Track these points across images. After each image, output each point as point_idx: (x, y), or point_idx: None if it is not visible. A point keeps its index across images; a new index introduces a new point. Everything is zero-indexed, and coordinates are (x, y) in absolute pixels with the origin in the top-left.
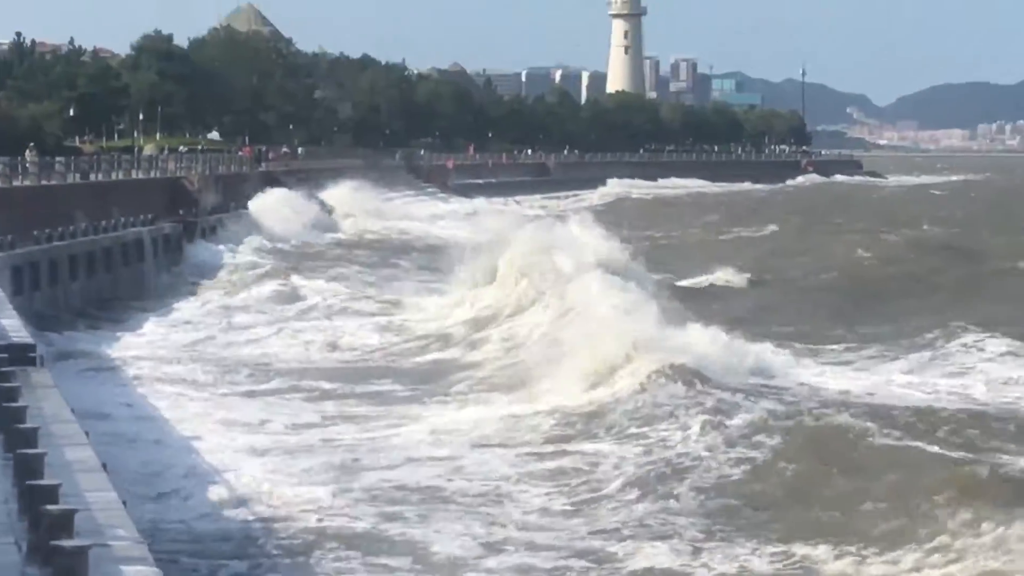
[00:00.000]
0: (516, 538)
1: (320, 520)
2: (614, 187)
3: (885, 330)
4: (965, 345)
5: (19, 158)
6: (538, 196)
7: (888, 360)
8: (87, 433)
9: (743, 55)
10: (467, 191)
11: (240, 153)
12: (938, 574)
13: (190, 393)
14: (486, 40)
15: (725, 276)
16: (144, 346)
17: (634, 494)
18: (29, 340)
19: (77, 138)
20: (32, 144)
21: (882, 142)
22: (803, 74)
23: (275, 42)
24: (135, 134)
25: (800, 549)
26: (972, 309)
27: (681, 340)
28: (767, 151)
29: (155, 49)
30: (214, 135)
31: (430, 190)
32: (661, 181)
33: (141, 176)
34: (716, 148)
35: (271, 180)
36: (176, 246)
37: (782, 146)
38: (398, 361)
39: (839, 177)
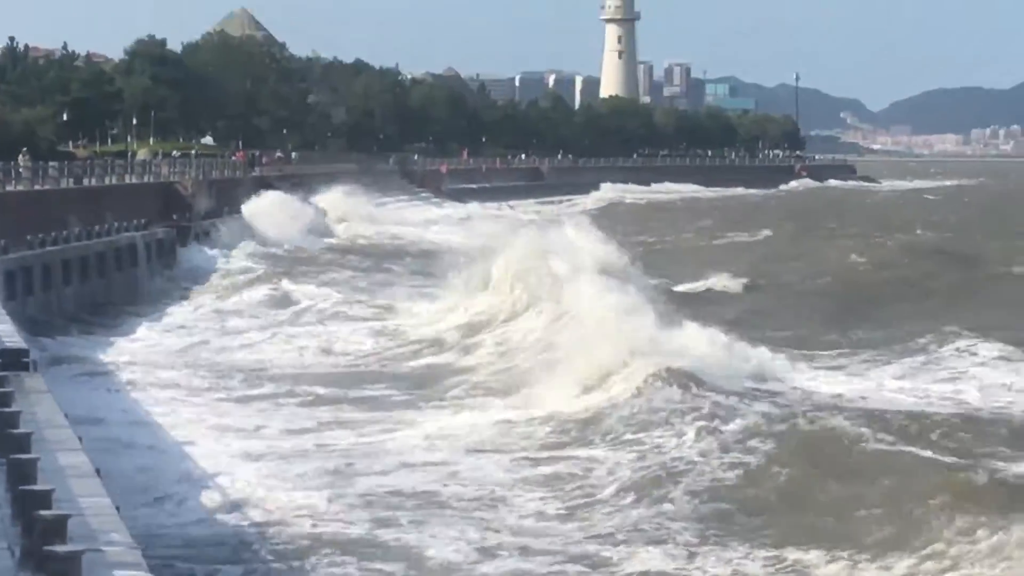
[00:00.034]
0: (511, 543)
1: (315, 525)
2: (607, 192)
3: (879, 335)
4: (959, 350)
5: (12, 163)
6: (532, 201)
7: (882, 365)
8: (80, 438)
9: (737, 60)
10: (461, 196)
11: (234, 158)
12: None
13: (184, 398)
14: (480, 45)
15: (721, 281)
16: (137, 351)
17: (629, 499)
18: (22, 345)
19: (71, 143)
20: (25, 149)
21: (876, 147)
22: (797, 79)
23: (269, 47)
24: (128, 139)
25: (793, 554)
26: (966, 314)
27: (678, 342)
28: (761, 156)
29: (148, 54)
30: (208, 140)
31: (424, 195)
32: (655, 186)
33: (134, 181)
34: (710, 153)
35: (264, 185)
36: (170, 251)
37: (776, 151)
38: (392, 366)
39: (833, 182)
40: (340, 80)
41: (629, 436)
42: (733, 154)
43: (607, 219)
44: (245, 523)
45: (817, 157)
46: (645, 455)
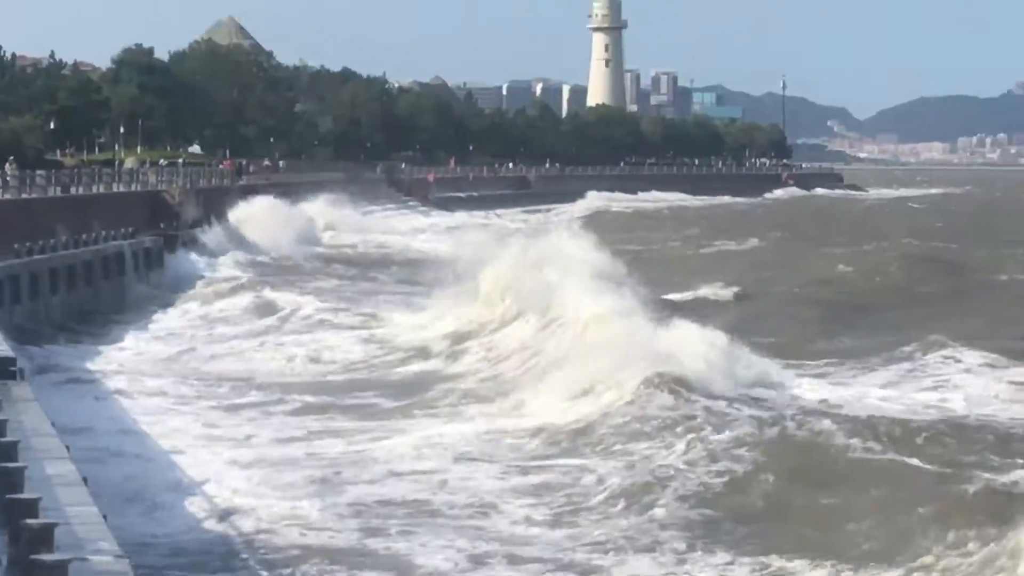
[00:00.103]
0: (501, 552)
1: (304, 534)
2: (594, 200)
3: (867, 343)
4: (945, 357)
5: None
6: (518, 209)
7: (870, 373)
8: (67, 447)
9: (724, 68)
10: (448, 204)
11: (221, 166)
12: None
13: (172, 406)
14: (467, 53)
15: (712, 290)
16: (125, 359)
17: (619, 507)
18: (10, 354)
19: (58, 151)
20: (12, 157)
21: (862, 155)
22: (783, 87)
23: (256, 55)
24: (116, 147)
25: (778, 562)
26: (952, 321)
27: (675, 345)
28: (748, 164)
29: (136, 62)
30: (195, 148)
31: (411, 203)
32: (642, 194)
33: (122, 189)
34: (697, 161)
35: (252, 194)
36: (157, 259)
37: (763, 159)
38: (380, 374)
39: (820, 190)
40: (327, 89)
41: (620, 445)
42: (720, 163)
43: (591, 229)
44: (234, 532)
45: (804, 165)
46: (635, 464)
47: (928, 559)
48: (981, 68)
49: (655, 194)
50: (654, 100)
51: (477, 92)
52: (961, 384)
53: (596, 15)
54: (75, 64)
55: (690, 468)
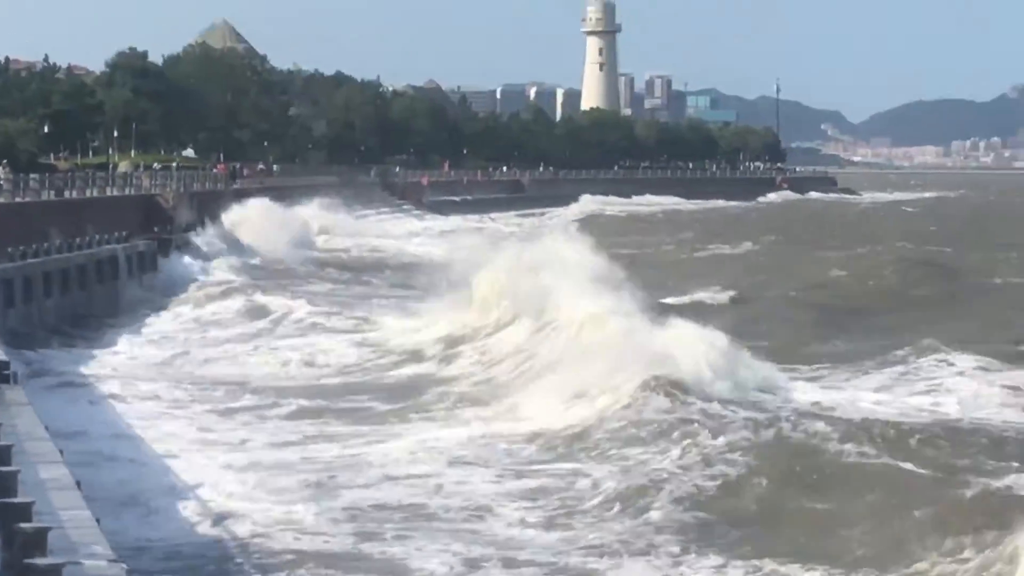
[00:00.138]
0: (496, 556)
1: (298, 539)
2: (587, 204)
3: (862, 347)
4: (940, 361)
5: None
6: (512, 213)
7: (867, 377)
8: (61, 451)
9: (718, 72)
10: (442, 208)
11: (215, 170)
12: None
13: (165, 411)
14: (461, 57)
15: (707, 295)
16: (118, 363)
17: (614, 511)
18: (3, 357)
19: (51, 155)
20: (5, 161)
21: (856, 159)
22: (777, 91)
23: (250, 59)
24: (110, 151)
25: (771, 565)
26: (947, 325)
27: (671, 345)
28: (742, 168)
29: (130, 66)
30: (189, 152)
31: (405, 207)
32: (636, 198)
33: (116, 193)
34: (691, 165)
35: (246, 197)
36: (151, 263)
37: (756, 163)
38: (375, 378)
39: (813, 194)
40: (321, 92)
41: (615, 449)
42: (714, 166)
43: (586, 232)
44: (229, 537)
45: (798, 169)
46: (630, 468)
47: (923, 565)
48: (975, 72)
49: (649, 198)
50: (648, 104)
51: (471, 96)
52: (955, 388)
53: (590, 19)
54: (69, 68)
55: (685, 472)
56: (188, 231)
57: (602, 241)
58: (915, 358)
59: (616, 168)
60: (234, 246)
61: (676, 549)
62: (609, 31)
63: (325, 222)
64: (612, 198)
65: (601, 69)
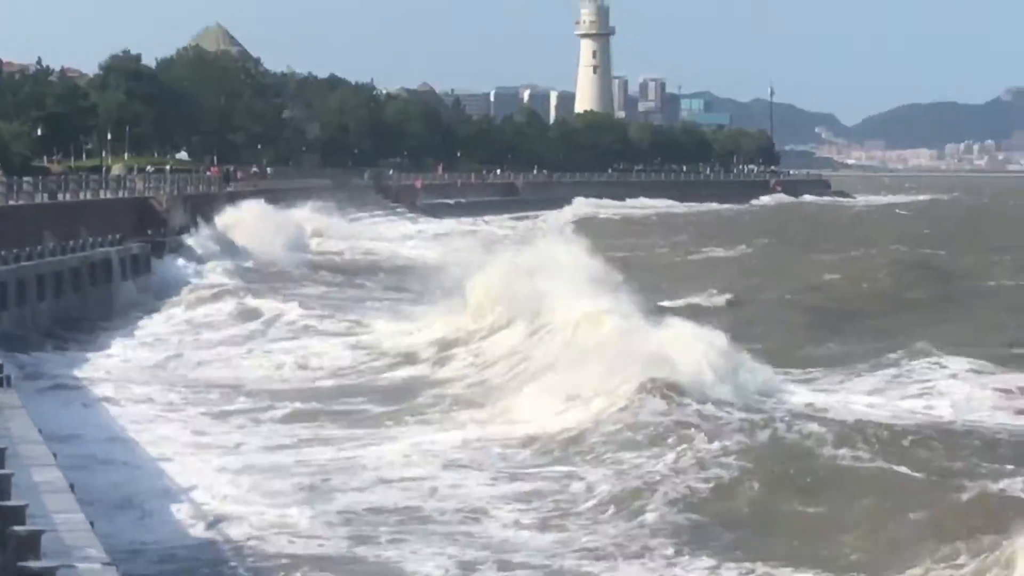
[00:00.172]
0: (491, 559)
1: (292, 542)
2: (581, 207)
3: (857, 349)
4: (934, 364)
5: None
6: (506, 216)
7: (861, 380)
8: (55, 454)
9: (712, 75)
10: (436, 211)
11: (208, 173)
12: None
13: (160, 413)
14: (455, 60)
15: (702, 298)
16: (112, 366)
17: (609, 514)
18: None
19: (45, 158)
20: None
21: (850, 161)
22: (771, 94)
23: (243, 62)
24: (103, 154)
25: (763, 568)
26: (940, 328)
27: (668, 345)
28: (736, 171)
29: (123, 69)
30: (182, 155)
31: (399, 210)
32: (629, 201)
33: (109, 196)
34: (685, 168)
35: (239, 200)
36: (144, 266)
37: (750, 166)
38: (369, 381)
39: (807, 197)
40: (315, 95)
41: (611, 452)
42: (708, 169)
43: (579, 234)
44: (223, 540)
45: (792, 172)
46: (625, 471)
47: (917, 571)
48: (969, 75)
49: (643, 200)
50: (642, 106)
51: (465, 98)
52: (948, 390)
53: (584, 22)
54: (62, 70)
55: (679, 475)
56: (181, 234)
57: (595, 244)
58: (908, 361)
59: (610, 171)
60: (228, 249)
61: (670, 551)
62: (603, 34)
63: (318, 225)
64: (606, 201)
65: (595, 72)
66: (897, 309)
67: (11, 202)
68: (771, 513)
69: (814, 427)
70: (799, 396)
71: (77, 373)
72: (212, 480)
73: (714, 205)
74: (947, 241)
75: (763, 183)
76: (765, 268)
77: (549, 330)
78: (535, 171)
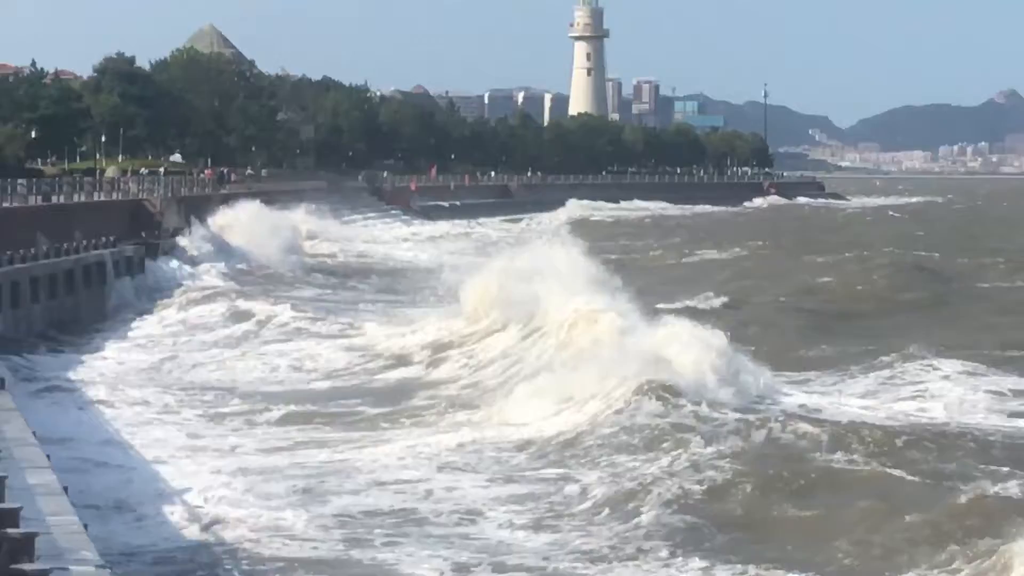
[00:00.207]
0: (486, 561)
1: (287, 544)
2: (575, 209)
3: (853, 352)
4: (928, 366)
5: None
6: (499, 218)
7: (857, 382)
8: (48, 456)
9: (706, 77)
10: (430, 213)
11: (202, 175)
12: None
13: (155, 416)
14: (449, 62)
15: (698, 301)
16: (106, 368)
17: (604, 516)
18: None
19: (39, 160)
20: None
21: (844, 164)
22: (765, 96)
23: (237, 64)
24: (97, 156)
25: (754, 571)
26: (934, 330)
27: (665, 345)
28: (729, 173)
29: (117, 71)
30: (176, 157)
31: (393, 212)
32: (623, 203)
33: (103, 198)
34: (679, 170)
35: (233, 202)
36: (138, 268)
37: (744, 168)
38: (364, 384)
39: (801, 199)
40: (309, 97)
41: (607, 453)
42: (702, 171)
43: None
44: (218, 542)
45: (785, 174)
46: (621, 474)
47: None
48: (963, 77)
49: (637, 203)
50: (636, 109)
51: (459, 101)
52: (942, 393)
53: (578, 24)
54: (56, 73)
55: (675, 478)
56: (175, 236)
57: (588, 246)
58: (902, 363)
59: (604, 173)
60: (221, 251)
61: (664, 553)
62: (597, 36)
63: (312, 227)
64: (600, 203)
65: (589, 74)
66: (891, 311)
67: (5, 204)
68: (766, 516)
69: (809, 429)
70: (794, 398)
71: (71, 375)
72: (207, 482)
73: (708, 207)
74: (940, 243)
75: (757, 185)
76: (759, 271)
77: (544, 332)
78: (529, 173)
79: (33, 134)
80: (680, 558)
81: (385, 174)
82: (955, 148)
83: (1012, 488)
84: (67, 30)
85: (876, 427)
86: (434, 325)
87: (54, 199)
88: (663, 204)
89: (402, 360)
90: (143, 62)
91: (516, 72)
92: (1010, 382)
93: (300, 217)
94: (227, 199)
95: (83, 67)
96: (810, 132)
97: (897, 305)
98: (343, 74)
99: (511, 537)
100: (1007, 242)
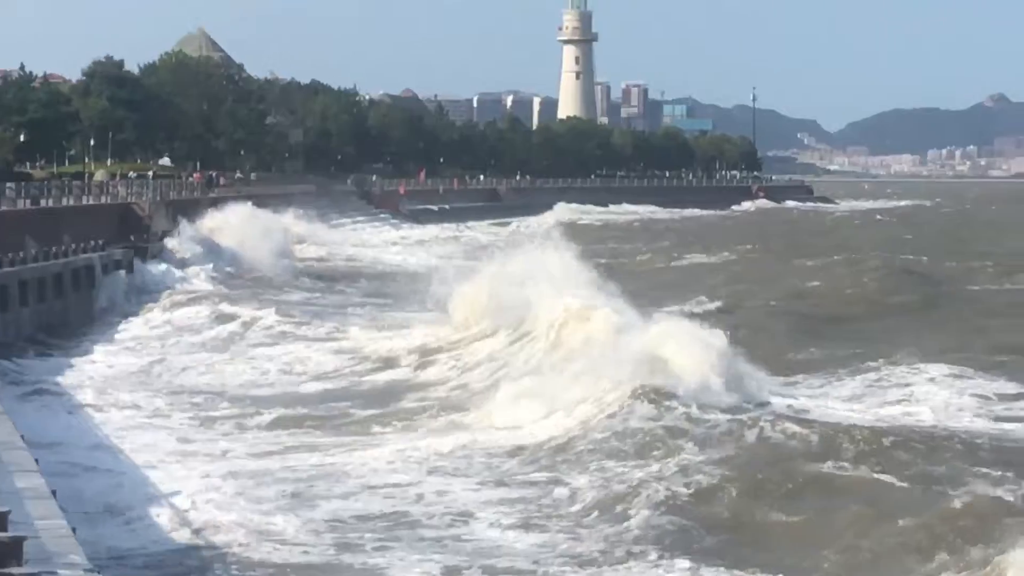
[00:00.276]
0: (476, 564)
1: (278, 549)
2: (563, 213)
3: (842, 356)
4: (915, 370)
5: None
6: (488, 222)
7: (846, 386)
8: (37, 460)
9: (694, 81)
10: (418, 217)
11: (191, 179)
12: None
13: (144, 419)
14: (438, 66)
15: (690, 306)
16: (95, 372)
17: (595, 519)
18: None
19: (28, 164)
20: None
21: (832, 167)
22: (754, 100)
23: (226, 68)
24: (86, 160)
25: None
26: (923, 334)
27: (661, 344)
28: (718, 177)
29: (106, 75)
30: (165, 161)
31: (382, 216)
32: (612, 207)
33: (92, 202)
34: (667, 174)
35: (222, 206)
36: (127, 272)
37: (733, 172)
38: (353, 387)
39: (790, 203)
40: (298, 101)
41: (598, 457)
42: (691, 175)
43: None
44: (208, 547)
45: (774, 178)
46: (612, 477)
47: None
48: (951, 81)
49: (625, 206)
50: (624, 112)
51: (448, 104)
52: (929, 396)
53: (567, 27)
54: (45, 76)
55: (665, 482)
56: (164, 239)
57: (577, 250)
58: (890, 366)
59: (593, 177)
60: (209, 255)
61: (653, 556)
62: (586, 40)
63: (301, 231)
64: (589, 206)
65: (578, 78)
66: (880, 315)
67: None
68: (756, 522)
69: (799, 433)
70: (784, 401)
71: (60, 379)
72: (197, 487)
73: (696, 211)
74: (929, 247)
75: (745, 189)
76: (749, 275)
77: (533, 336)
78: (518, 177)
79: (22, 137)
80: (667, 561)
81: (374, 178)
82: (944, 152)
83: (1000, 493)
84: (56, 34)
85: (865, 429)
86: (421, 331)
87: (43, 203)
88: (652, 208)
89: (396, 364)
90: (132, 66)
91: (505, 76)
92: (997, 386)
93: (289, 221)
94: (216, 202)
95: (72, 71)
96: (799, 136)
97: (886, 308)
98: (332, 78)
99: (502, 536)
100: (995, 246)
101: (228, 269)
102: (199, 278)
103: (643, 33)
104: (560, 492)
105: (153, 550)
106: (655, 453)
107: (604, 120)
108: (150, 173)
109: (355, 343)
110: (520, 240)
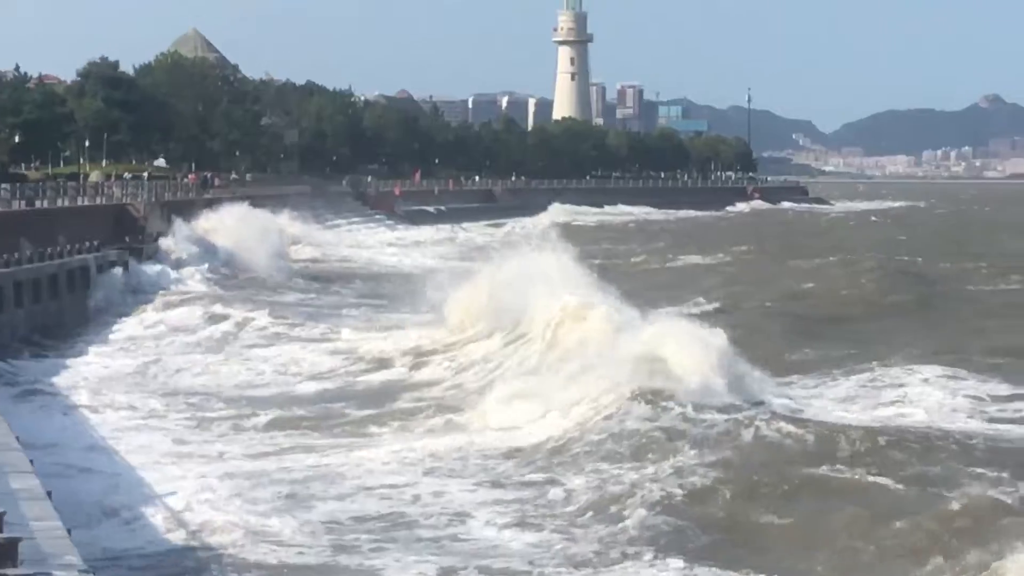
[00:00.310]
0: (473, 565)
1: (274, 550)
2: (558, 214)
3: (838, 357)
4: (911, 370)
5: None
6: (483, 223)
7: (842, 387)
8: (31, 461)
9: (689, 82)
10: (414, 218)
11: (186, 180)
12: None
13: (139, 420)
14: (433, 67)
15: (687, 307)
16: (90, 373)
17: (591, 520)
18: None
19: (23, 165)
20: None
21: (827, 168)
22: (749, 100)
23: (221, 69)
24: (81, 161)
25: None
26: (918, 335)
27: (658, 343)
28: (713, 178)
29: (101, 76)
30: (160, 162)
31: (377, 217)
32: (608, 208)
33: (87, 203)
34: (663, 175)
35: (217, 207)
36: (122, 273)
37: (728, 173)
38: (347, 388)
39: (785, 203)
40: (293, 102)
41: (594, 458)
42: (686, 176)
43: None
44: (204, 548)
45: (769, 179)
46: (608, 478)
47: None
48: (946, 82)
49: (621, 207)
50: (620, 113)
51: (443, 105)
52: (923, 397)
53: (562, 28)
54: (40, 77)
55: (661, 484)
56: (159, 240)
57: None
58: (886, 368)
59: (588, 178)
60: (204, 256)
61: (649, 556)
62: (581, 41)
63: (296, 232)
64: (584, 207)
65: (573, 79)
66: (875, 316)
67: None
68: (751, 523)
69: (795, 434)
70: (780, 402)
71: (55, 380)
72: (193, 488)
73: (692, 212)
74: (924, 248)
75: (740, 190)
76: (745, 276)
77: (529, 337)
78: (513, 178)
79: (17, 139)
80: (663, 561)
81: (369, 179)
82: (939, 153)
83: (998, 494)
84: (51, 34)
85: (859, 429)
86: (416, 333)
87: (38, 204)
88: (647, 209)
89: (391, 365)
90: (127, 67)
91: (500, 77)
92: (991, 388)
93: (284, 222)
94: (211, 203)
95: (67, 72)
96: (794, 137)
97: (881, 309)
98: (327, 79)
99: (498, 535)
100: (990, 246)
101: (223, 270)
102: (194, 279)
103: (638, 34)
104: (556, 493)
105: (149, 551)
106: (651, 455)
107: (599, 121)
108: (145, 174)
109: (349, 344)
110: (515, 241)
